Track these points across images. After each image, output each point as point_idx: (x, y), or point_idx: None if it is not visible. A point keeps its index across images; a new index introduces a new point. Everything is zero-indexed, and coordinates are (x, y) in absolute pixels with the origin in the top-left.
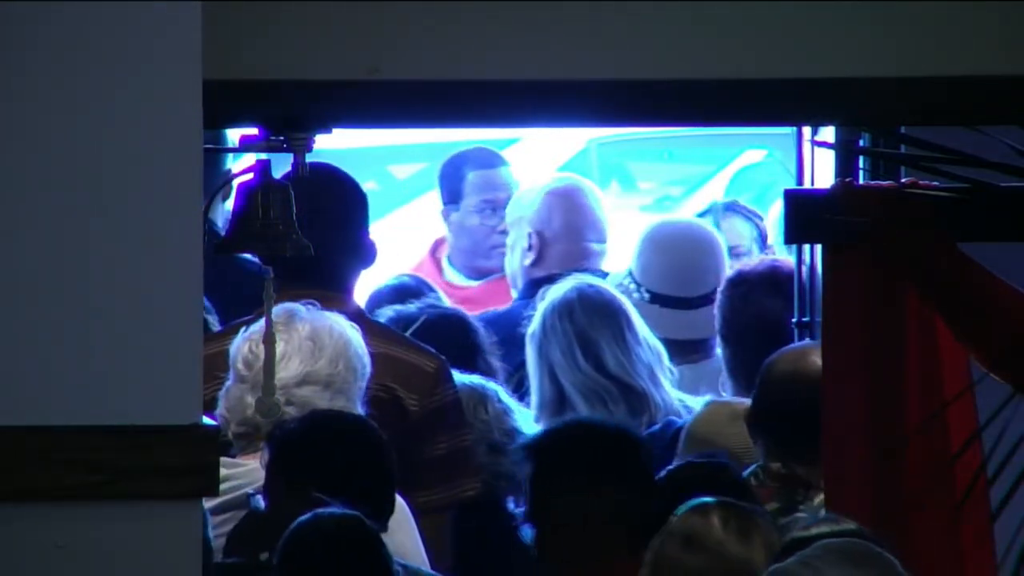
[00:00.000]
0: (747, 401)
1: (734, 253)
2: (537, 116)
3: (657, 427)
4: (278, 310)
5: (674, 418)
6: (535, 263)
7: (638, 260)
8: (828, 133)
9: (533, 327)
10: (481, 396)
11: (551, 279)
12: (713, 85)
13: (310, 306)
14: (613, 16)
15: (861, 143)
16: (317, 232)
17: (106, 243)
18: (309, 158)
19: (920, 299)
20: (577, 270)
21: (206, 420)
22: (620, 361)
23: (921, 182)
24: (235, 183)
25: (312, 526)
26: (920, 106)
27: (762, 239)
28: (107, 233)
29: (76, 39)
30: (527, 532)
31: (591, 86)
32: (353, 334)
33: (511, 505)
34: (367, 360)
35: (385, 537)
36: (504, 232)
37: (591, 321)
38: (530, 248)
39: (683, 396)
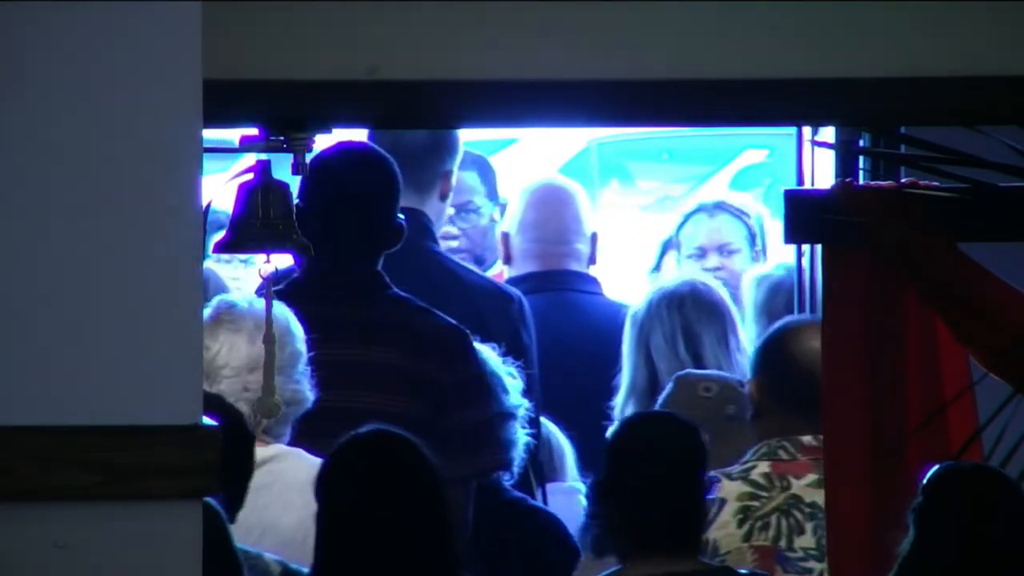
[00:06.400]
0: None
1: (725, 251)
2: (537, 116)
3: None
4: (219, 303)
5: None
6: (506, 262)
7: None
8: (828, 133)
9: (637, 310)
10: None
11: (527, 280)
12: (712, 85)
13: (238, 292)
14: (613, 16)
15: (861, 143)
16: (350, 213)
17: (106, 243)
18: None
19: (920, 299)
20: (552, 271)
21: (206, 420)
22: (719, 361)
23: (921, 182)
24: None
25: (352, 443)
26: (920, 106)
27: (751, 237)
28: (107, 233)
29: (76, 39)
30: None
31: (591, 86)
32: (291, 315)
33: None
34: (303, 343)
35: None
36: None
37: (699, 317)
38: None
39: None
